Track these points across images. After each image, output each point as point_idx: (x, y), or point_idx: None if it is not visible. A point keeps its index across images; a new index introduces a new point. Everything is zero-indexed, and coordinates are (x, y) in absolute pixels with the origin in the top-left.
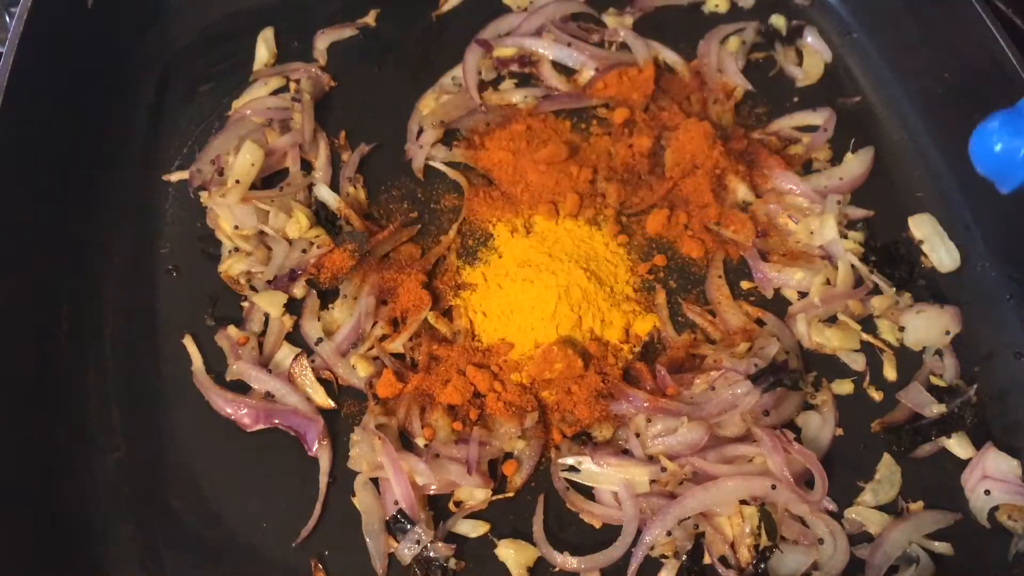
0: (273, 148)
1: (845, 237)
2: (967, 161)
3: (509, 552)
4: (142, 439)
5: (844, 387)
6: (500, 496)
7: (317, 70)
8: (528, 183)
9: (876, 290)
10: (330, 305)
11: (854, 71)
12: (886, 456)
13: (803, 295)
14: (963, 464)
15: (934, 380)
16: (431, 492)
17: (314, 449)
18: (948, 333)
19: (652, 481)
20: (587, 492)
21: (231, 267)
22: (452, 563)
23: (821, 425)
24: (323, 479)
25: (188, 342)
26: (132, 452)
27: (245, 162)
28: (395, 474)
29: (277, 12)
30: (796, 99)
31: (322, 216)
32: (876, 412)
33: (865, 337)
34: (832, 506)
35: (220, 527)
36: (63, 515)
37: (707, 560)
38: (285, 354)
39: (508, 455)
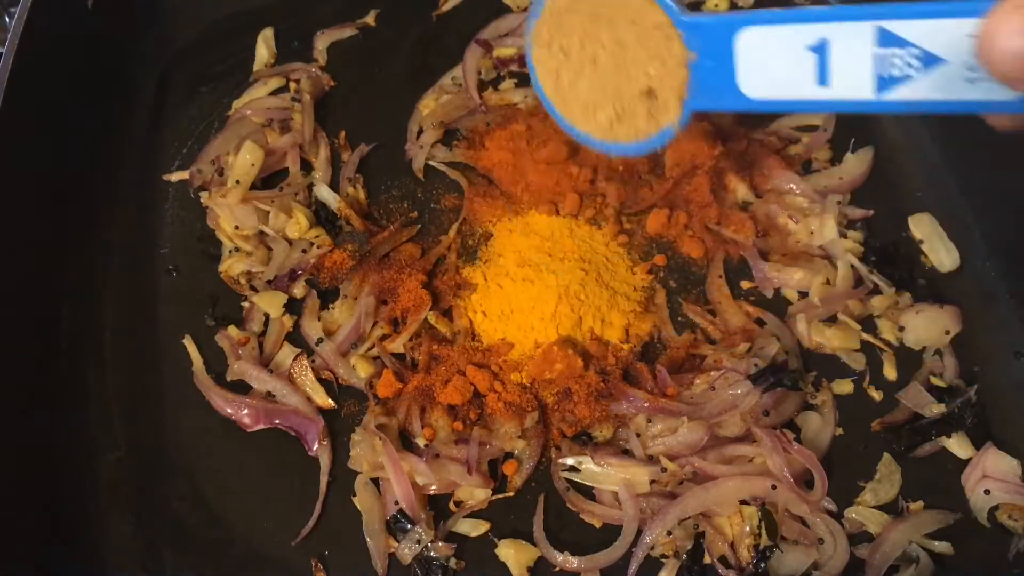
0: (273, 148)
1: (845, 237)
2: (967, 161)
3: (509, 552)
4: (142, 439)
5: (844, 387)
6: (500, 496)
7: (317, 70)
8: (528, 183)
9: (876, 290)
10: (330, 305)
11: None
12: (886, 456)
13: (803, 295)
14: (963, 464)
15: (934, 380)
16: (431, 492)
17: (314, 449)
18: (948, 333)
19: (652, 481)
20: (587, 492)
21: (231, 267)
22: (452, 563)
23: (821, 425)
24: (323, 479)
25: (188, 342)
26: (132, 452)
27: (245, 162)
28: (395, 474)
29: (277, 12)
30: None
31: (322, 216)
32: (876, 412)
33: (865, 337)
34: (832, 506)
35: (220, 527)
36: (63, 515)
37: (707, 560)
38: (285, 354)
39: (508, 455)
